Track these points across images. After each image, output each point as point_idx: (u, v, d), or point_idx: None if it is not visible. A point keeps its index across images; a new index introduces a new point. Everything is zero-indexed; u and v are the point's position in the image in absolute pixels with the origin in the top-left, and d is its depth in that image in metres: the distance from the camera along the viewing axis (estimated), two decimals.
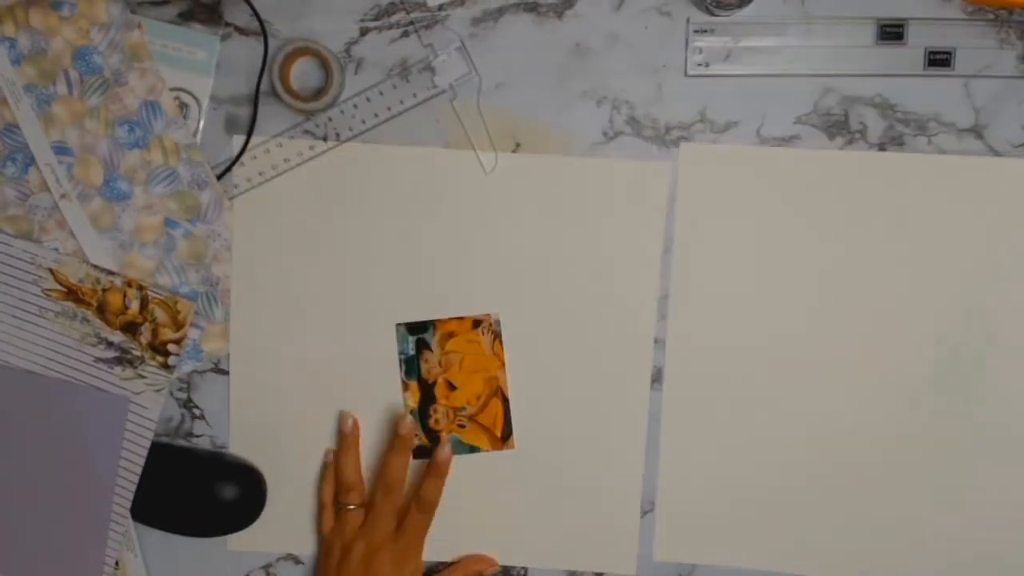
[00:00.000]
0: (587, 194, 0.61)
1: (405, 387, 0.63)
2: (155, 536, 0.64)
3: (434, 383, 0.63)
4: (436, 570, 0.64)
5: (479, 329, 0.62)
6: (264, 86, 0.61)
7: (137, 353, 0.61)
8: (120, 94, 0.60)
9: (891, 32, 0.59)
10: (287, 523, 0.65)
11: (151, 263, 0.61)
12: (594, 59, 0.60)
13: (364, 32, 0.61)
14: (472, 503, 0.64)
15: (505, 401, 0.63)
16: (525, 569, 0.64)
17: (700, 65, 0.60)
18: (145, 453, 0.62)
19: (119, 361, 0.61)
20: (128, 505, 0.62)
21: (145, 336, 0.61)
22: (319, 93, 0.60)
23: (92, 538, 0.62)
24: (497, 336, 0.62)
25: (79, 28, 0.59)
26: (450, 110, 0.60)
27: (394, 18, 0.60)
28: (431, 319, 0.62)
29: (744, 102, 0.60)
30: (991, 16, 0.59)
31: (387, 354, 0.63)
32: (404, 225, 0.62)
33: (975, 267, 0.61)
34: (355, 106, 0.60)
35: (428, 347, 0.63)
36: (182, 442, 0.64)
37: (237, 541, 0.65)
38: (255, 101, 0.61)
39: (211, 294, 0.62)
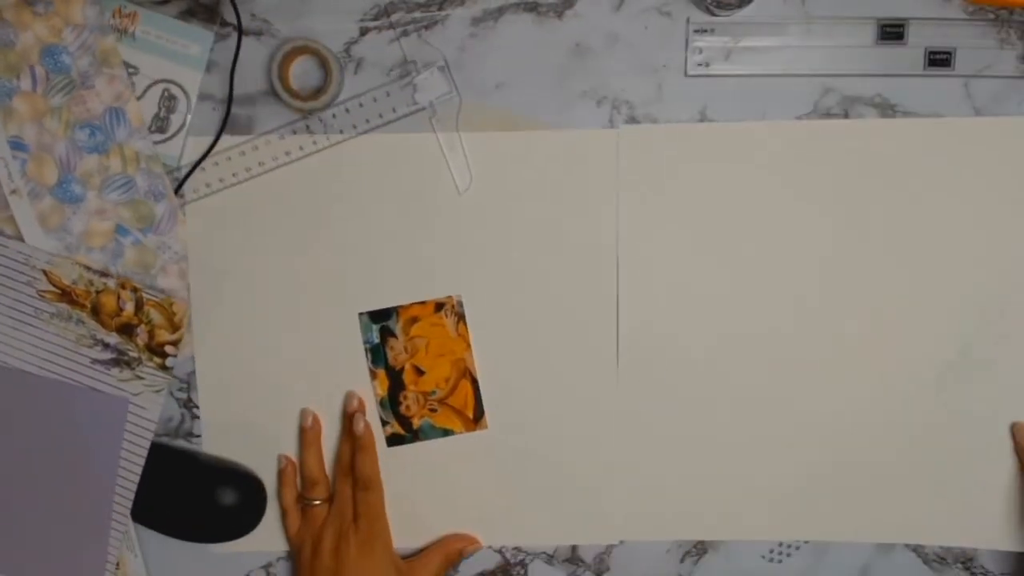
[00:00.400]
0: (539, 166, 0.61)
1: (373, 376, 0.63)
2: (155, 536, 0.64)
3: (401, 369, 0.63)
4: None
5: (442, 312, 0.62)
6: (264, 85, 0.61)
7: (134, 355, 0.61)
8: (85, 97, 0.60)
9: (891, 32, 0.59)
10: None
11: (96, 268, 0.61)
12: (594, 59, 0.60)
13: (364, 32, 0.61)
14: (449, 485, 0.64)
15: (474, 382, 0.63)
16: (525, 568, 0.65)
17: (700, 65, 0.60)
18: (145, 454, 0.61)
19: (116, 363, 0.61)
20: (128, 506, 0.62)
21: (141, 338, 0.61)
22: (318, 92, 0.60)
23: (93, 538, 0.62)
24: (461, 317, 0.62)
25: (52, 26, 0.58)
26: (429, 127, 0.60)
27: (394, 18, 0.60)
28: (393, 306, 0.62)
29: (744, 102, 0.60)
30: (991, 16, 0.59)
31: (353, 345, 0.63)
32: (359, 213, 0.62)
33: (970, 243, 0.61)
34: (334, 116, 0.60)
35: (392, 334, 0.62)
36: (182, 443, 0.64)
37: (237, 541, 0.65)
38: (228, 101, 0.61)
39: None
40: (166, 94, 0.61)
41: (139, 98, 0.60)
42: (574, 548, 0.64)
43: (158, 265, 0.62)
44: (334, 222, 0.62)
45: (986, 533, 0.62)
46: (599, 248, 0.62)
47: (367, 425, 0.62)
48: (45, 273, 0.60)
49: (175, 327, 0.61)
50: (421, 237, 0.62)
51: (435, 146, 0.61)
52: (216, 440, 0.64)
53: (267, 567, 0.65)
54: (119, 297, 0.60)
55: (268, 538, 0.65)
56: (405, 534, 0.63)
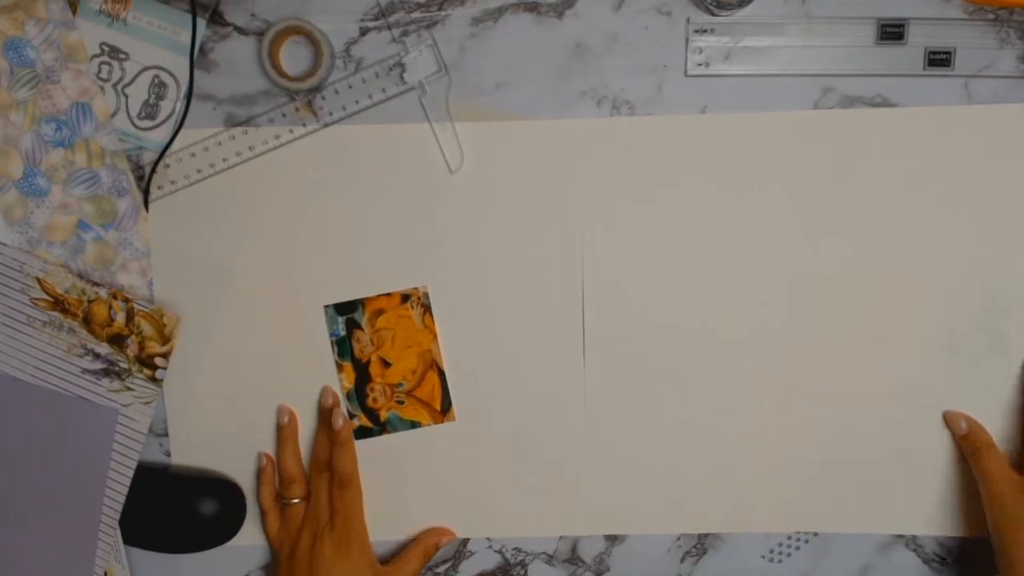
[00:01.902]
0: (506, 157, 0.61)
1: (339, 368, 0.63)
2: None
3: (368, 362, 0.63)
4: (399, 550, 0.64)
5: (408, 303, 0.62)
6: (263, 85, 0.61)
7: (124, 366, 0.61)
8: (51, 91, 0.59)
9: (891, 32, 0.59)
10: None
11: (57, 263, 0.61)
12: (594, 59, 0.60)
13: (364, 32, 0.61)
14: (419, 478, 0.64)
15: (441, 374, 0.63)
16: (525, 568, 0.65)
17: (700, 65, 0.60)
18: (134, 465, 0.61)
19: (106, 373, 0.61)
20: (117, 516, 0.61)
21: (132, 349, 0.61)
22: (308, 75, 0.59)
23: (80, 549, 0.61)
24: (427, 309, 0.62)
25: (14, 19, 0.58)
26: (420, 107, 0.60)
27: (394, 18, 0.60)
28: (359, 298, 0.62)
29: (744, 102, 0.60)
30: (991, 16, 0.59)
31: (319, 338, 0.63)
32: (324, 205, 0.62)
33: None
34: (323, 97, 0.60)
35: (359, 326, 0.62)
36: (162, 457, 0.64)
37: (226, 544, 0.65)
38: (188, 91, 0.60)
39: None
40: (156, 80, 0.60)
41: (129, 84, 0.60)
42: (574, 548, 0.64)
43: (118, 262, 0.61)
44: (298, 215, 0.62)
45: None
46: (567, 240, 0.62)
47: (347, 421, 0.62)
48: (39, 281, 0.60)
49: (165, 339, 0.61)
50: (387, 229, 0.62)
51: (406, 136, 0.61)
52: (184, 439, 0.64)
53: (266, 567, 0.65)
54: (111, 307, 0.60)
55: (259, 535, 0.65)
56: (374, 527, 0.63)
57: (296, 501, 0.62)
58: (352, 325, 0.62)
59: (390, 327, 0.62)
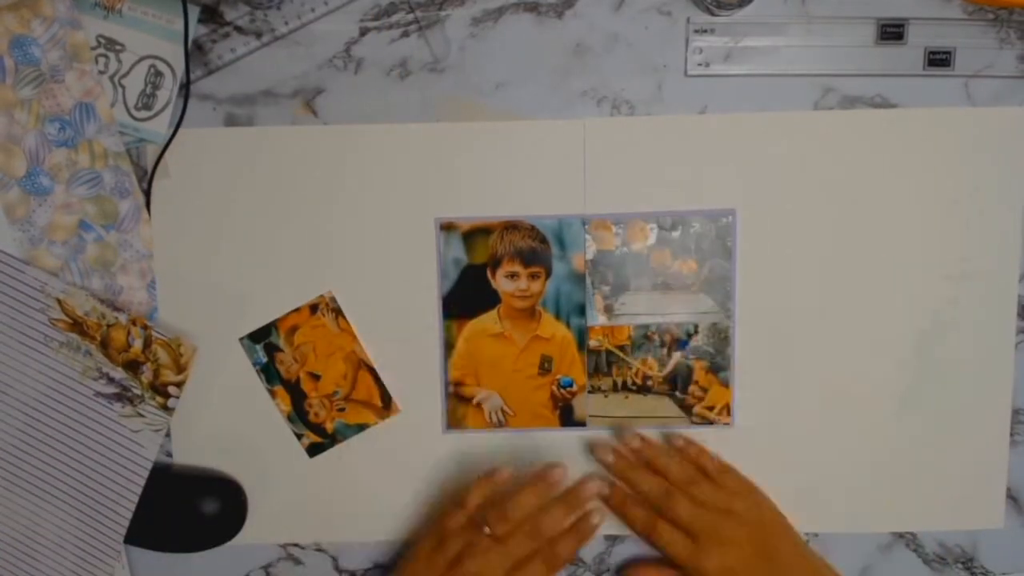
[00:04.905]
0: (503, 157, 0.61)
1: (272, 395, 0.63)
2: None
3: (297, 380, 0.63)
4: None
5: (319, 312, 0.62)
6: (263, 85, 0.61)
7: (137, 392, 0.61)
8: (55, 91, 0.59)
9: (891, 32, 0.59)
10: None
11: (56, 262, 0.61)
12: (594, 59, 0.60)
13: (364, 32, 0.61)
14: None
15: (372, 370, 0.63)
16: None
17: (700, 65, 0.60)
18: (139, 491, 0.61)
19: (119, 398, 0.61)
20: (120, 539, 0.61)
21: (147, 376, 0.61)
22: None
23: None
24: (338, 312, 0.62)
25: (20, 16, 0.58)
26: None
27: (394, 18, 0.60)
28: (269, 321, 0.62)
29: (744, 102, 0.60)
30: (991, 16, 0.59)
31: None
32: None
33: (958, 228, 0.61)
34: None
35: (278, 348, 0.62)
36: (162, 457, 0.64)
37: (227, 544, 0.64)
38: (186, 85, 0.60)
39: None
40: (152, 70, 0.60)
41: (126, 75, 0.60)
42: None
43: (118, 263, 0.61)
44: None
45: (986, 516, 0.63)
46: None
47: (601, 520, 0.58)
48: (59, 301, 0.60)
49: (180, 368, 0.61)
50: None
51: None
52: (185, 439, 0.63)
53: (267, 567, 0.65)
54: (129, 333, 0.60)
55: (260, 534, 0.65)
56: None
57: (488, 533, 0.56)
58: (271, 349, 0.62)
59: (308, 340, 0.62)
